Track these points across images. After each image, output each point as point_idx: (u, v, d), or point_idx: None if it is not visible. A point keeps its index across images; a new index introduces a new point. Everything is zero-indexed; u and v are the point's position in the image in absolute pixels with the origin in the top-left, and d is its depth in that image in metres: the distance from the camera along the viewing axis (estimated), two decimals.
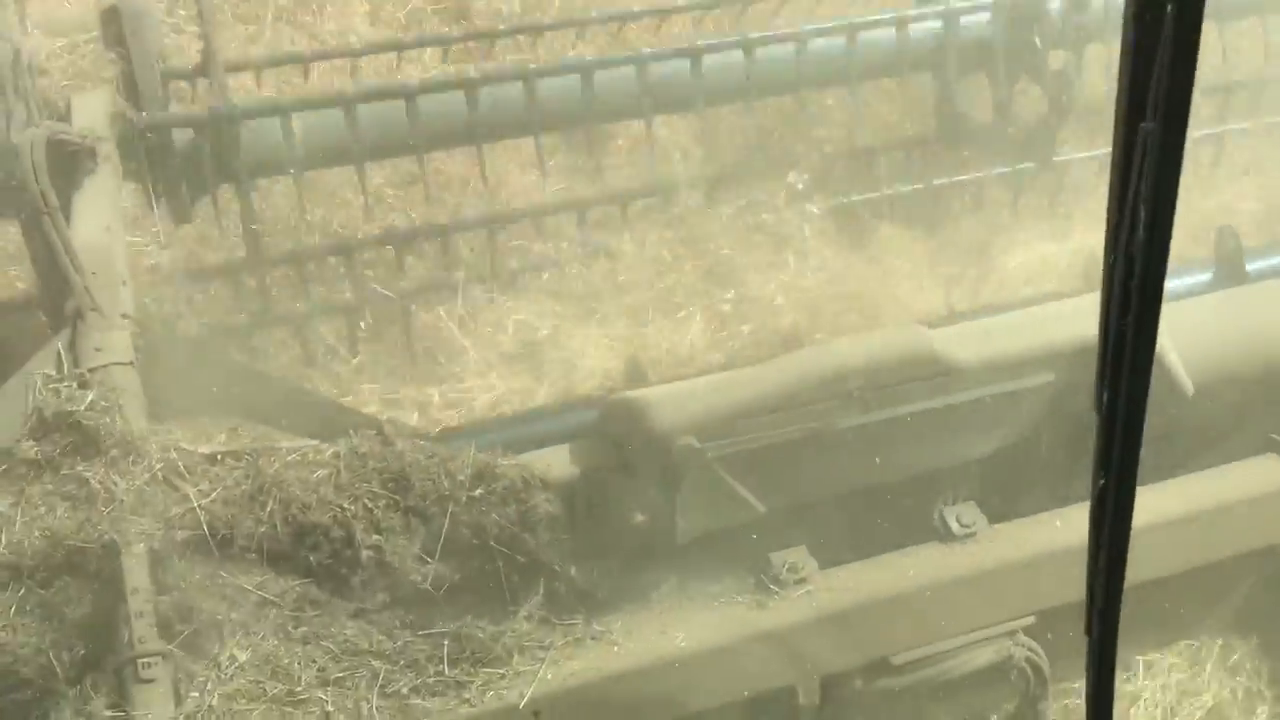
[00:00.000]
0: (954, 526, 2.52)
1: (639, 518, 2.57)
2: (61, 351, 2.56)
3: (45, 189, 2.51)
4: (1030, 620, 2.50)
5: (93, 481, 2.31)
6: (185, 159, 3.35)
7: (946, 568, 2.45)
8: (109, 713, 2.08)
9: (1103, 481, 1.01)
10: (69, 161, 2.92)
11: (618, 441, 2.61)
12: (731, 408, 2.52)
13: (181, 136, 3.36)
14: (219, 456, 2.43)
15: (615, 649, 2.30)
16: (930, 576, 2.44)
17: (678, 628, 2.35)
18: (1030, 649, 2.51)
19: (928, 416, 2.65)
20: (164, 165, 3.34)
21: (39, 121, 2.77)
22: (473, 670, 2.23)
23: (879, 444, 2.64)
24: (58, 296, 2.91)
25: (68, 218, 2.77)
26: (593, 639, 2.32)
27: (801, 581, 2.42)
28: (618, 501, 2.58)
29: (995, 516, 2.63)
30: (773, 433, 2.56)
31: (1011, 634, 2.49)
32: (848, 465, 2.63)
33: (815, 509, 2.65)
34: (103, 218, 2.80)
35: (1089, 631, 1.08)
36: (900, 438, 2.65)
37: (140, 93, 3.29)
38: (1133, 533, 1.04)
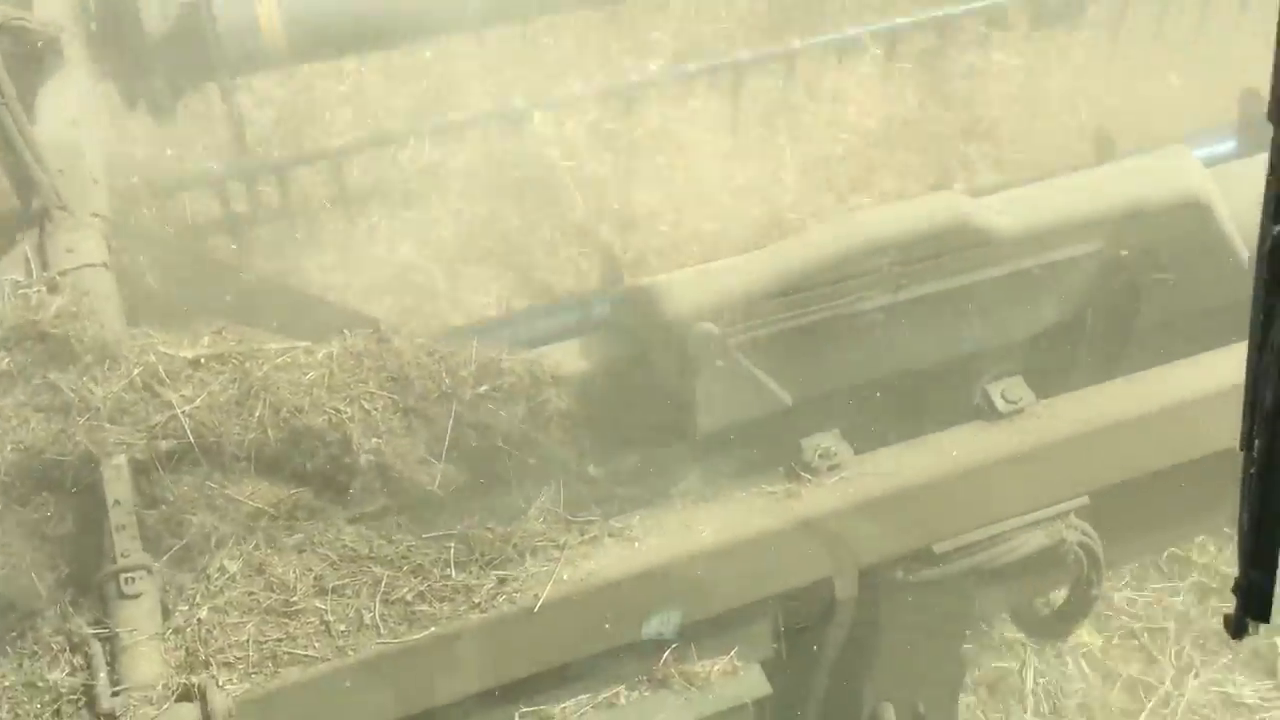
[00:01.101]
0: (999, 403, 2.32)
1: (657, 411, 2.39)
2: (29, 254, 2.39)
3: (2, 78, 2.31)
4: (1083, 501, 2.31)
5: (66, 390, 2.15)
6: (160, 53, 3.14)
7: (992, 447, 2.26)
8: (91, 630, 1.95)
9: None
10: (30, 55, 2.72)
11: (633, 332, 2.42)
12: (753, 289, 2.32)
13: (154, 28, 3.14)
14: (202, 360, 2.26)
15: (635, 545, 2.13)
16: (974, 457, 2.24)
17: (702, 522, 2.18)
18: (1084, 532, 2.32)
19: (966, 291, 2.45)
20: (139, 61, 3.14)
21: None
22: (482, 573, 2.07)
23: (914, 323, 2.45)
24: (24, 196, 2.74)
25: (32, 115, 2.58)
26: (610, 537, 2.15)
27: (835, 467, 2.23)
28: (634, 394, 2.40)
29: (1041, 394, 2.43)
30: (798, 315, 2.37)
31: (1063, 516, 2.30)
32: (880, 347, 2.43)
33: (845, 396, 2.46)
34: (68, 112, 2.61)
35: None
36: (937, 315, 2.45)
37: None
38: None
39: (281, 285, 2.49)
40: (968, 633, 2.61)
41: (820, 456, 2.26)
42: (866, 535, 2.22)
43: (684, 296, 2.33)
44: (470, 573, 2.08)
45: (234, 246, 3.27)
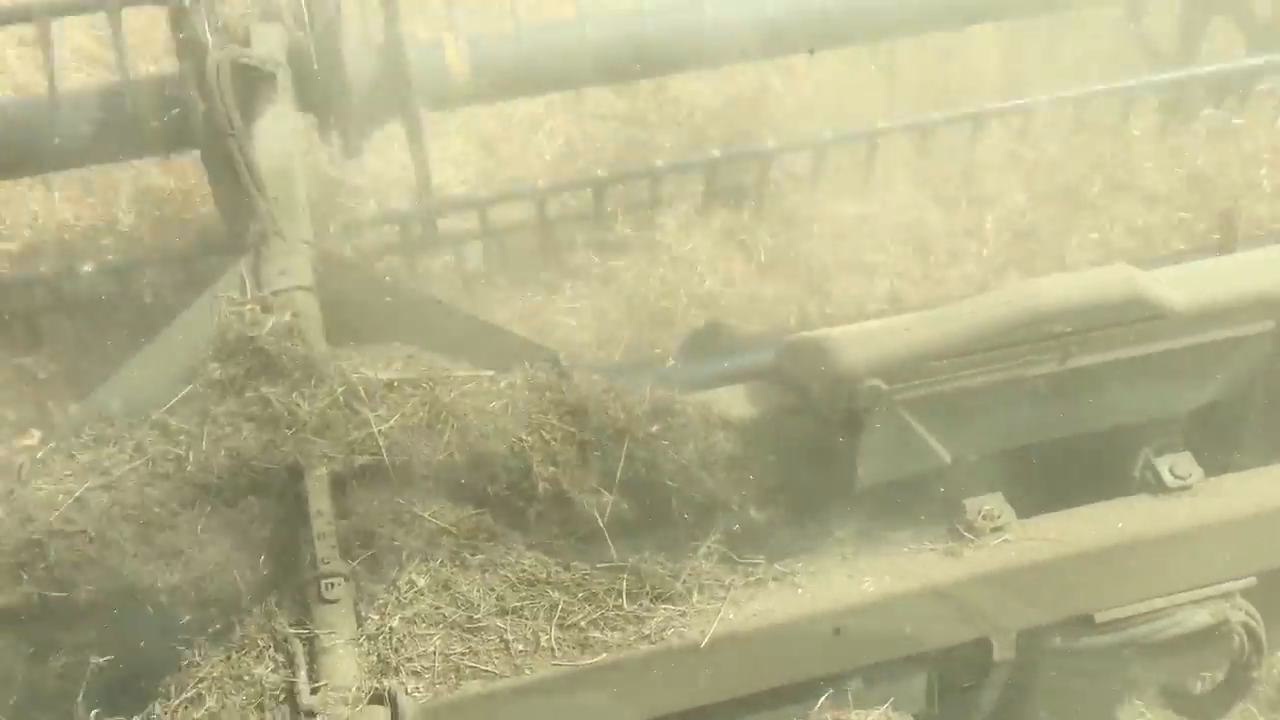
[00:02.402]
0: (1167, 478, 2.33)
1: (818, 461, 2.46)
2: (245, 275, 2.58)
3: (232, 111, 2.51)
4: (1250, 582, 2.30)
5: (277, 404, 2.31)
6: (356, 91, 3.34)
7: (1159, 521, 2.27)
8: (293, 630, 2.09)
9: None
10: (249, 89, 2.94)
11: (799, 382, 2.50)
12: (922, 349, 2.37)
13: (355, 67, 3.35)
14: (395, 383, 2.41)
15: (799, 592, 2.20)
16: (1141, 530, 2.26)
17: (865, 572, 2.24)
18: (1249, 613, 2.31)
19: (1135, 363, 2.47)
20: (337, 96, 3.35)
21: (221, 47, 2.78)
22: (652, 606, 2.16)
23: (1080, 391, 2.47)
24: (237, 221, 2.95)
25: (250, 145, 2.78)
26: (775, 581, 2.22)
27: (998, 530, 2.27)
28: (797, 443, 2.47)
29: (1206, 470, 2.43)
30: (964, 376, 2.41)
31: (1229, 596, 2.29)
32: (1044, 414, 2.46)
33: (1007, 460, 2.49)
34: (283, 143, 2.81)
35: None
36: (1104, 385, 2.47)
37: (314, 23, 3.30)
38: None
39: (467, 314, 2.62)
40: (1119, 704, 2.60)
41: (983, 518, 2.30)
42: (1027, 599, 2.24)
43: (852, 351, 2.39)
44: (641, 604, 2.17)
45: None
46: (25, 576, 2.17)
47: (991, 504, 2.31)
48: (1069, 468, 2.48)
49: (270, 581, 2.23)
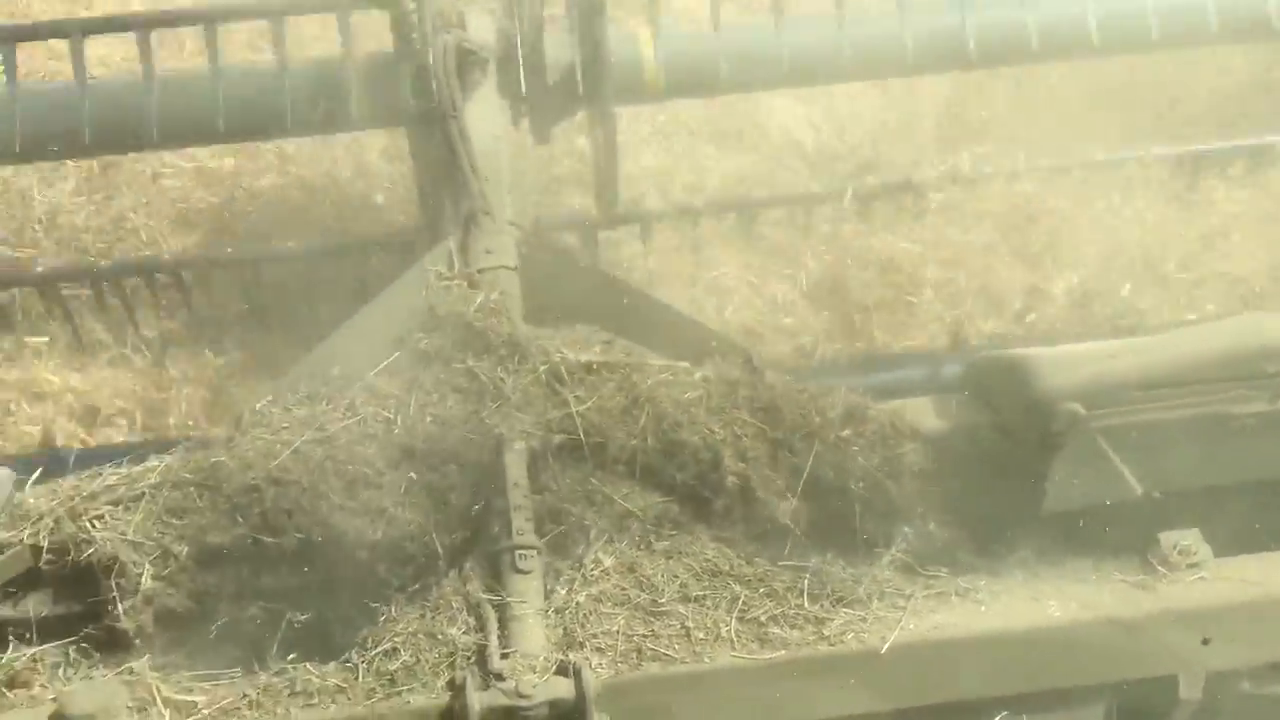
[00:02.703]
0: None
1: (1007, 480, 2.43)
2: (453, 251, 2.69)
3: (455, 94, 2.61)
4: None
5: (483, 377, 2.41)
6: (556, 79, 3.42)
7: None
8: (486, 595, 2.18)
9: None
10: (463, 73, 3.05)
11: (992, 399, 2.47)
12: (1127, 377, 2.33)
13: (554, 56, 3.43)
14: (594, 366, 2.48)
15: (981, 609, 2.19)
16: None
17: (1050, 596, 2.21)
18: None
19: None
20: (535, 84, 3.44)
21: (447, 30, 2.89)
22: (832, 608, 2.18)
23: None
24: (436, 199, 3.07)
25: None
26: (957, 595, 2.22)
27: (1194, 566, 2.21)
28: (985, 461, 2.45)
29: None
30: (1167, 408, 2.35)
31: None
32: (1250, 453, 2.38)
33: (1205, 496, 2.42)
34: (493, 126, 2.91)
35: None
36: None
37: (520, 10, 3.39)
38: None
39: (663, 305, 2.68)
40: None
41: (1179, 553, 2.24)
42: (1221, 639, 2.18)
43: (1052, 374, 2.36)
44: (821, 605, 2.19)
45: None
46: (240, 519, 2.30)
47: (1188, 540, 2.25)
48: (1271, 510, 2.40)
49: (464, 547, 2.32)
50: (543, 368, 2.42)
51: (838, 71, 3.50)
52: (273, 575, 2.32)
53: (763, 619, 2.16)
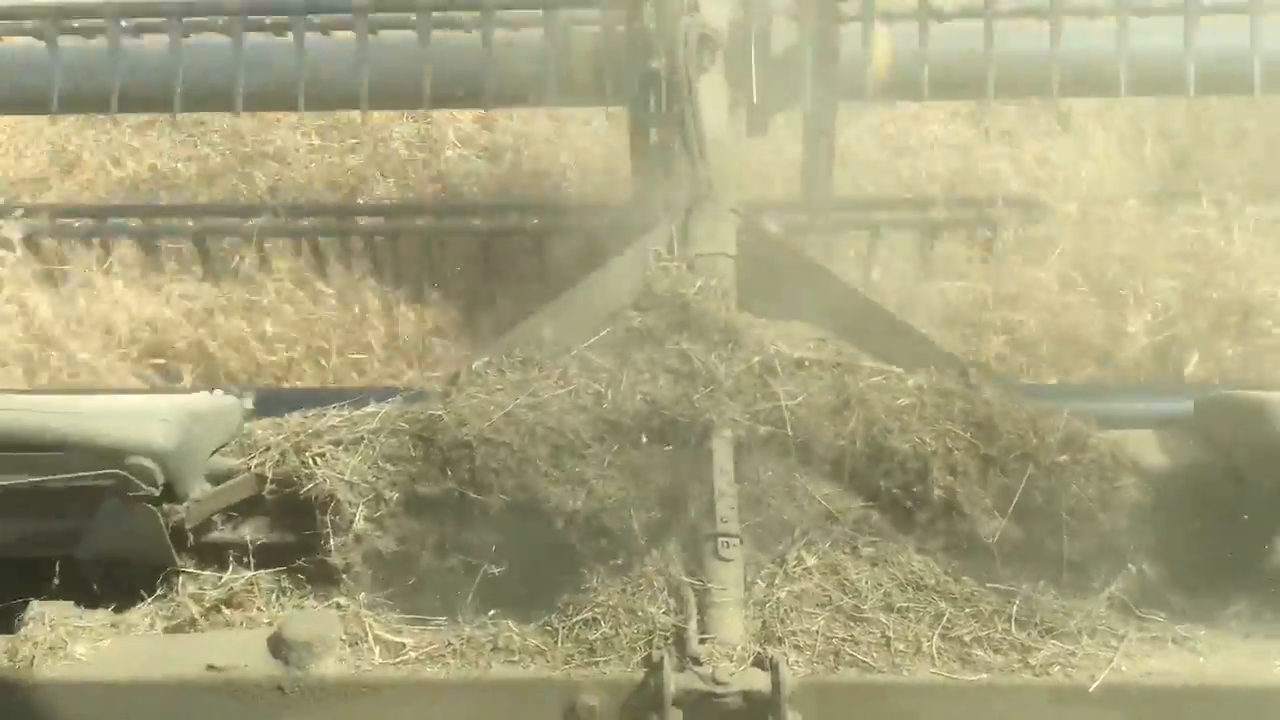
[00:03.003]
0: None
1: (1234, 529, 2.31)
2: (674, 234, 2.71)
3: (693, 77, 2.62)
4: None
5: (696, 360, 2.42)
6: (776, 71, 3.40)
7: None
8: (687, 579, 2.19)
9: None
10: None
11: (1224, 441, 2.36)
12: None
13: (781, 45, 3.41)
14: (806, 362, 2.47)
15: (1200, 660, 2.09)
16: None
17: (1274, 656, 2.10)
18: None
19: None
20: (761, 74, 3.42)
21: (689, 12, 2.90)
22: (1040, 638, 2.11)
23: None
24: (653, 180, 3.09)
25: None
26: (1174, 642, 2.12)
27: None
28: (1211, 508, 2.34)
29: None
30: None
31: None
32: None
33: None
34: (720, 112, 2.92)
35: None
36: None
37: None
38: None
39: (879, 307, 2.64)
40: None
41: None
42: None
43: None
44: (1029, 634, 2.12)
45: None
46: (450, 473, 2.37)
47: None
48: None
49: (662, 527, 2.34)
50: (756, 359, 2.42)
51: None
52: (475, 530, 2.39)
53: (966, 639, 2.11)
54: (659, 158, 3.08)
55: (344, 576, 2.37)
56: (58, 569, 2.36)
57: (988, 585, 2.21)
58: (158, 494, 2.31)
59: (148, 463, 2.27)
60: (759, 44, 3.34)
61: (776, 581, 2.19)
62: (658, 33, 2.88)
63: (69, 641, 2.20)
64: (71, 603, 2.30)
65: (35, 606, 2.25)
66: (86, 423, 2.28)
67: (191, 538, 2.41)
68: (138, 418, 2.31)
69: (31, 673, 2.14)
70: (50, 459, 2.28)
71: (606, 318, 2.61)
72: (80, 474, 2.27)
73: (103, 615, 2.29)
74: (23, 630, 2.20)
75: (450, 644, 2.16)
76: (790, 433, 2.35)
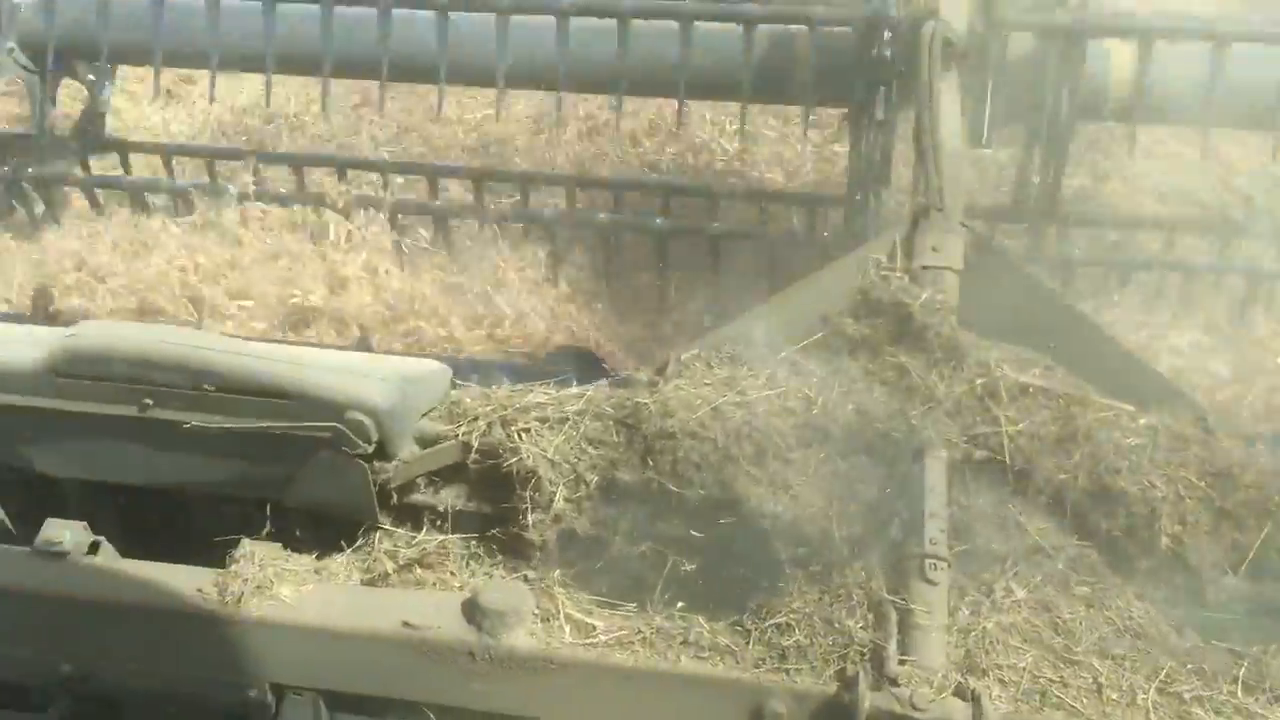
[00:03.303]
0: None
1: None
2: (898, 243, 2.63)
3: (935, 82, 2.54)
4: None
5: (915, 376, 2.35)
6: (1017, 83, 3.28)
7: None
8: (889, 596, 2.12)
9: None
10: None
11: None
12: None
13: (1019, 56, 3.28)
14: (1031, 389, 2.36)
15: None
16: None
17: None
18: None
19: None
20: (993, 83, 3.30)
21: (932, 17, 2.82)
22: (1269, 705, 1.97)
23: None
24: (867, 186, 3.02)
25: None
26: None
27: None
28: None
29: None
30: None
31: None
32: None
33: None
34: (954, 121, 2.82)
35: None
36: None
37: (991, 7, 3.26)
38: None
39: (1113, 340, 2.50)
40: None
41: None
42: None
43: None
44: (1257, 699, 1.98)
45: None
46: (651, 462, 2.36)
47: None
48: None
49: (864, 541, 2.27)
50: (979, 380, 2.32)
51: None
52: (670, 522, 2.37)
53: (1186, 696, 1.98)
54: (877, 162, 3.01)
55: (537, 553, 2.39)
56: (268, 512, 2.46)
57: (1213, 643, 2.06)
58: (370, 451, 2.37)
59: (365, 419, 2.34)
60: (997, 54, 3.23)
61: (983, 611, 2.10)
62: (896, 36, 2.81)
63: (275, 582, 2.28)
64: (279, 545, 2.39)
65: (246, 545, 2.34)
66: (312, 375, 2.36)
67: (394, 497, 2.47)
68: (359, 375, 2.38)
69: (239, 609, 2.23)
70: (275, 406, 2.37)
71: (819, 322, 2.56)
72: (302, 423, 2.35)
73: (307, 560, 2.37)
74: (233, 566, 2.29)
75: (640, 632, 2.15)
76: (1008, 460, 2.25)
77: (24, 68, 4.43)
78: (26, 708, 2.36)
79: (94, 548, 2.35)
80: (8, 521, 2.72)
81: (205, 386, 2.36)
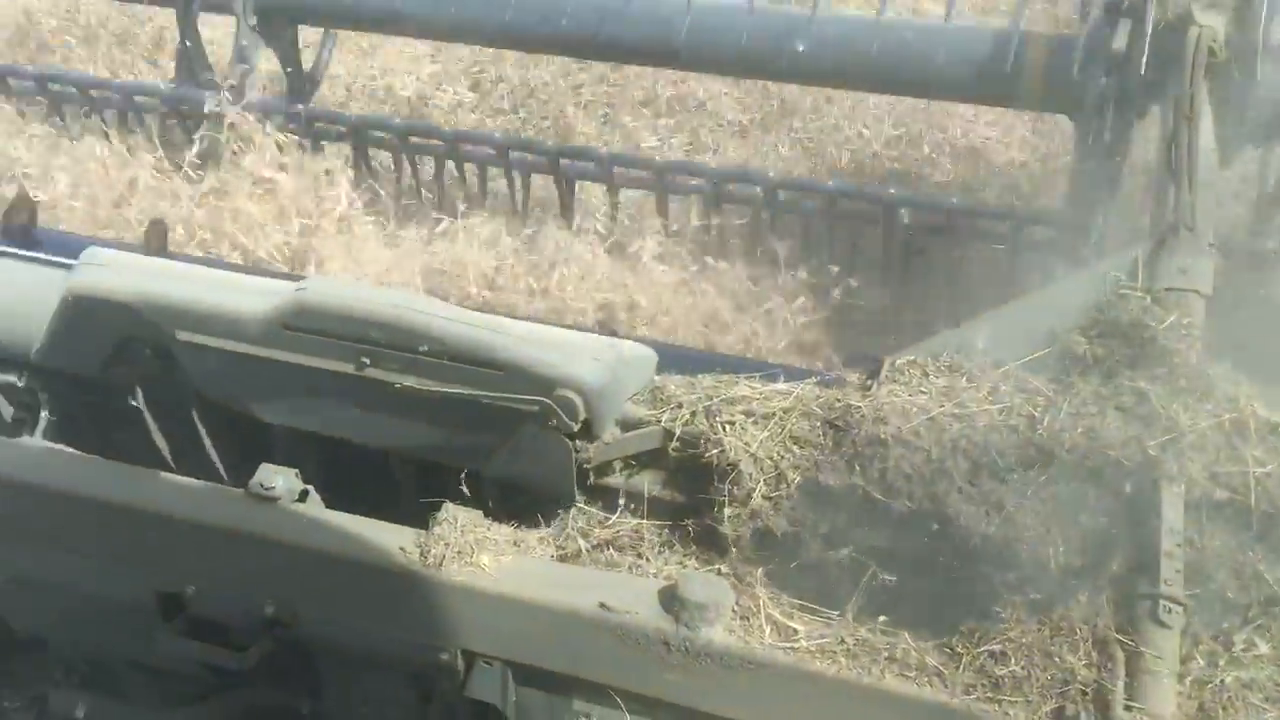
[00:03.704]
0: None
1: None
2: (1140, 261, 2.48)
3: (1199, 93, 2.38)
4: None
5: (1156, 403, 2.20)
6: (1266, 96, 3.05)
7: None
8: (1117, 635, 1.99)
9: None
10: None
11: None
12: None
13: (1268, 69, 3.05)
14: None
15: None
16: None
17: None
18: None
19: None
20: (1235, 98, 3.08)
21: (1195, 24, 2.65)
22: None
23: None
24: (1093, 198, 2.86)
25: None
26: None
27: None
28: None
29: None
30: None
31: None
32: None
33: None
34: (1209, 137, 2.64)
35: None
36: None
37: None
38: None
39: None
40: None
41: None
42: None
43: None
44: None
45: None
46: (859, 468, 2.28)
47: None
48: None
49: (1089, 574, 2.15)
50: (1228, 416, 2.16)
51: None
52: (872, 531, 2.29)
53: None
54: (1107, 175, 2.84)
55: (732, 547, 2.34)
56: (462, 479, 2.47)
57: None
58: (575, 429, 2.36)
59: (574, 397, 2.33)
60: (1240, 66, 3.01)
61: (1221, 663, 1.96)
62: (1136, 35, 2.63)
63: (475, 550, 2.29)
64: (480, 513, 2.40)
65: (449, 509, 2.36)
66: (527, 349, 2.36)
67: (592, 477, 2.45)
68: (573, 352, 2.37)
69: (439, 572, 2.24)
70: (486, 376, 2.38)
71: (1046, 337, 2.43)
72: (512, 396, 2.36)
73: (507, 531, 2.37)
74: (436, 529, 2.31)
75: (843, 641, 2.08)
76: (1253, 503, 2.09)
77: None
78: (226, 645, 2.43)
79: (303, 496, 2.41)
80: (219, 463, 2.82)
81: (420, 350, 2.39)
